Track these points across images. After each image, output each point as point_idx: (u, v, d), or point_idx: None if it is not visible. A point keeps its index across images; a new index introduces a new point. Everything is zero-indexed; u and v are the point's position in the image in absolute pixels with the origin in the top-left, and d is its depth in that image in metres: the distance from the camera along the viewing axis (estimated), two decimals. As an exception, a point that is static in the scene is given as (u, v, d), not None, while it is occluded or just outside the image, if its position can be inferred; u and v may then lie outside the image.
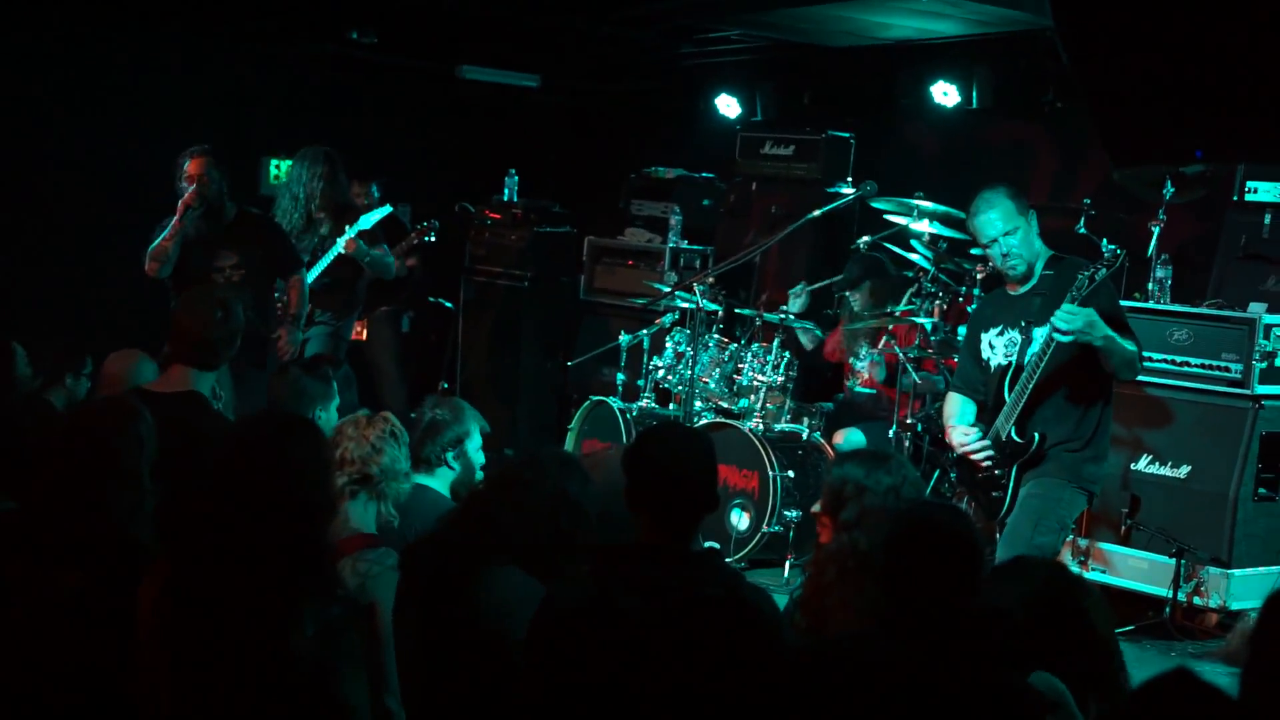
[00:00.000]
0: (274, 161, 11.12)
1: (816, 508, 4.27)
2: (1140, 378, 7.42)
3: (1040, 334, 5.76)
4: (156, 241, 7.38)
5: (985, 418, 6.04)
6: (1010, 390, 5.85)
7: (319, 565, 3.51)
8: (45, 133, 10.25)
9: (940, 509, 3.61)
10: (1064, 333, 5.59)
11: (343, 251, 8.27)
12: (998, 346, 6.02)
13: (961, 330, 7.27)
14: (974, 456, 5.94)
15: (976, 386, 6.13)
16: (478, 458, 5.28)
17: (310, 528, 3.52)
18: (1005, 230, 5.86)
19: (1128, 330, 5.83)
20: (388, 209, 8.69)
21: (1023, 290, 5.97)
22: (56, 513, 3.89)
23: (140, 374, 5.74)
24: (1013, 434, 5.83)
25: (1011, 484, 5.87)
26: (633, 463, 3.70)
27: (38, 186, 10.25)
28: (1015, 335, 5.92)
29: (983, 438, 5.93)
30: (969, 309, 7.81)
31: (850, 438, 8.39)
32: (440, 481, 5.15)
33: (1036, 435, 5.80)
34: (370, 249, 8.38)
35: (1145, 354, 7.37)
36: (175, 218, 7.36)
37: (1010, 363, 5.91)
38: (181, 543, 3.55)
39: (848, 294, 8.90)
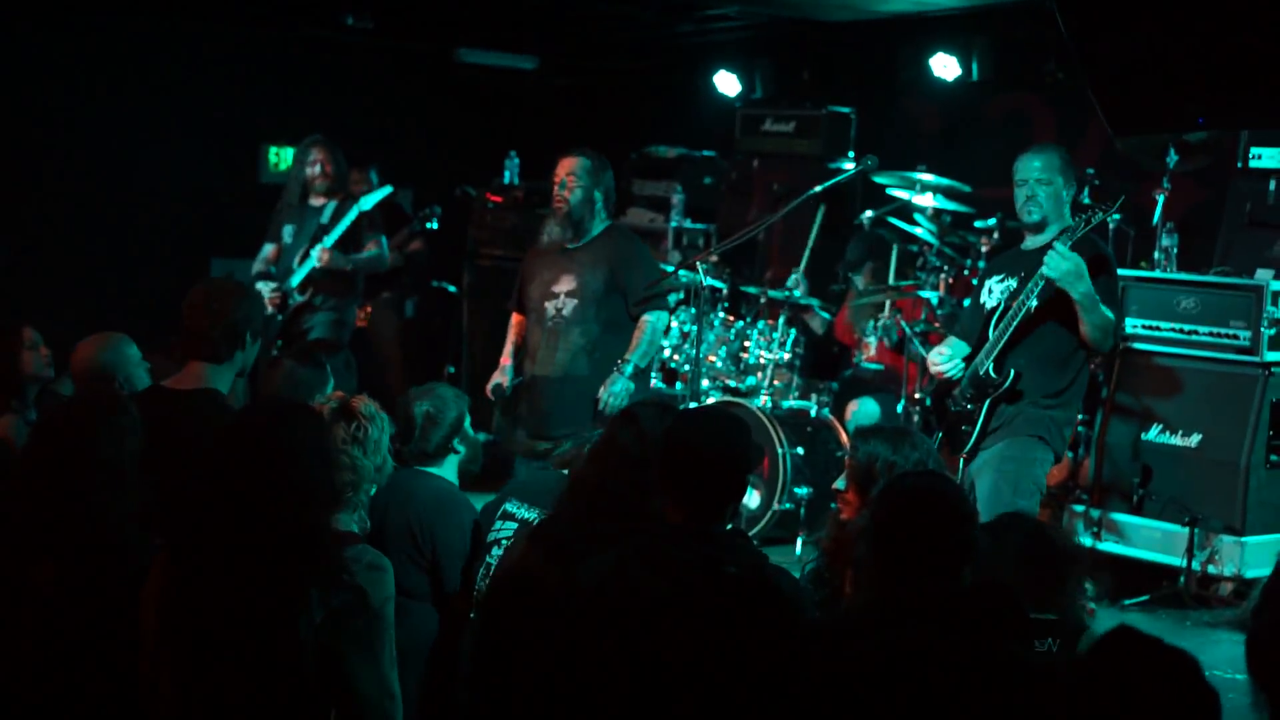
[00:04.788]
0: (274, 149, 11.10)
1: (840, 484, 4.28)
2: (1149, 347, 7.44)
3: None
4: None
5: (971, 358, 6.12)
6: (994, 329, 5.90)
7: (324, 551, 3.48)
8: (44, 120, 10.27)
9: (929, 477, 3.60)
10: (1052, 270, 5.65)
11: (317, 265, 8.24)
12: (995, 290, 6.09)
13: (966, 303, 7.27)
14: (941, 372, 6.05)
15: (973, 336, 6.17)
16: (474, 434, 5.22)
17: (313, 513, 3.49)
18: (1039, 177, 5.93)
19: (1112, 300, 5.88)
20: (388, 189, 8.64)
21: (1033, 246, 6.01)
22: (31, 507, 3.83)
23: (115, 355, 5.47)
24: (990, 370, 5.87)
25: (981, 419, 5.90)
26: (667, 445, 3.69)
27: (36, 174, 10.26)
28: (1013, 283, 5.97)
29: (960, 362, 6.00)
30: (974, 281, 7.79)
31: (864, 407, 8.37)
32: (448, 469, 5.09)
33: (1012, 371, 5.83)
34: (350, 255, 8.35)
35: (1153, 324, 7.43)
36: None
37: (1000, 304, 5.97)
38: (184, 534, 3.51)
39: (851, 274, 8.91)
